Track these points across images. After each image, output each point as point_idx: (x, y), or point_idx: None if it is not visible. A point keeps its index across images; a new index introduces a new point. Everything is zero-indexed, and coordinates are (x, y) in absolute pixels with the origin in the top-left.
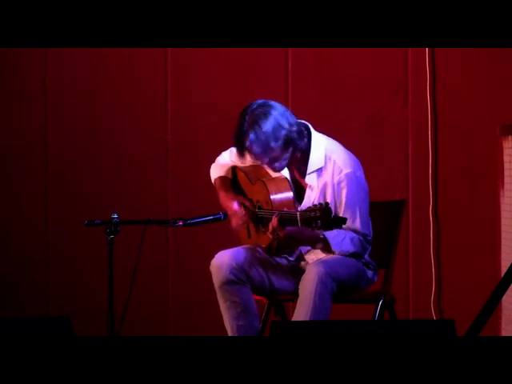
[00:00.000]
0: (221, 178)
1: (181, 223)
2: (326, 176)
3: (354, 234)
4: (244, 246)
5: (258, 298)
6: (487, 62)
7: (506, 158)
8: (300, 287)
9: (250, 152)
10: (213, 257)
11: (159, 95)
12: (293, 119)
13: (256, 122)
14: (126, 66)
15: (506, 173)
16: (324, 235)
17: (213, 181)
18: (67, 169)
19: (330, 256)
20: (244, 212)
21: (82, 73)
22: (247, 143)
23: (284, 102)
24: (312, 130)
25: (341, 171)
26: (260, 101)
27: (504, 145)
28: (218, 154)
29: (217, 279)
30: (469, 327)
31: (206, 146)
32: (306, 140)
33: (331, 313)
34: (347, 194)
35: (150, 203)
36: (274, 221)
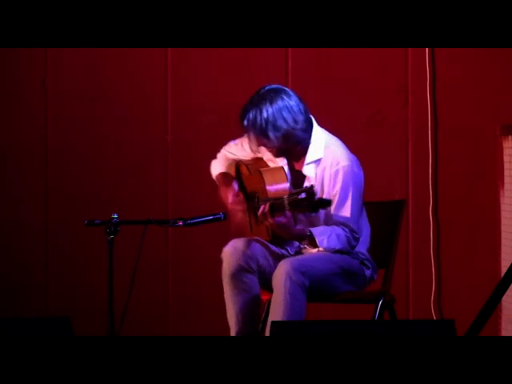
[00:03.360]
0: (222, 174)
1: (181, 223)
2: (325, 166)
3: (341, 231)
4: (257, 238)
5: (266, 297)
6: (487, 61)
7: (506, 158)
8: (272, 284)
9: (247, 131)
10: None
11: (159, 95)
12: (301, 117)
13: (259, 105)
14: (126, 66)
15: (506, 173)
16: (310, 231)
17: (214, 177)
18: (67, 169)
19: (312, 252)
20: (242, 198)
21: (82, 73)
22: (245, 122)
23: None
24: (314, 123)
25: (338, 163)
26: (275, 85)
27: (504, 145)
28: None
29: (228, 266)
30: (469, 327)
31: (205, 146)
32: (308, 135)
33: (331, 313)
34: (342, 185)
35: (150, 203)
36: (266, 207)
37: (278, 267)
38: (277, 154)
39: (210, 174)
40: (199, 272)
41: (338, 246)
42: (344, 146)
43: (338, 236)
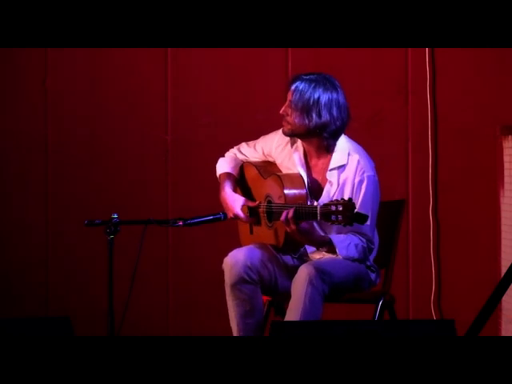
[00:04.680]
0: (226, 174)
1: (181, 223)
2: (348, 173)
3: (358, 240)
4: (256, 245)
5: (266, 298)
6: (487, 62)
7: (506, 158)
8: (292, 288)
9: (291, 94)
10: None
11: (159, 95)
12: (341, 118)
13: (317, 82)
14: (126, 66)
15: (506, 173)
16: (331, 239)
17: (218, 175)
18: (67, 169)
19: (327, 257)
20: (247, 217)
21: (82, 73)
22: (293, 86)
23: (284, 101)
24: None
25: (363, 172)
26: (335, 79)
27: (504, 145)
28: (218, 153)
29: (230, 277)
30: (469, 327)
31: (205, 146)
32: (337, 137)
33: (331, 313)
34: (364, 194)
35: (150, 203)
36: (290, 212)
37: (299, 272)
38: (286, 131)
39: (209, 174)
40: (199, 272)
41: (355, 256)
42: (367, 154)
43: (356, 246)
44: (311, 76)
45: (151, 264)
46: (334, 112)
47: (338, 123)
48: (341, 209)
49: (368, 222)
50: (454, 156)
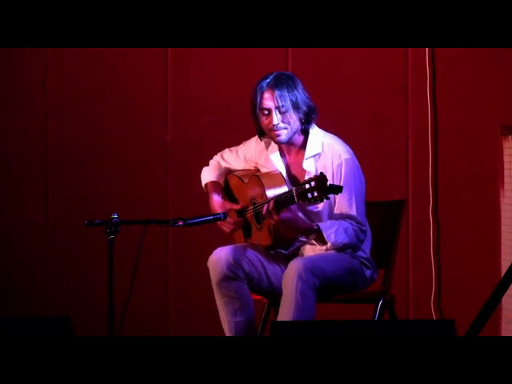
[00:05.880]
0: (212, 182)
1: (181, 223)
2: (325, 161)
3: (348, 225)
4: (242, 244)
5: (259, 297)
6: (487, 62)
7: (506, 158)
8: (282, 285)
9: (276, 101)
10: None
11: (159, 95)
12: (312, 101)
13: (281, 82)
14: (126, 66)
15: (506, 173)
16: (318, 226)
17: (203, 184)
18: (67, 169)
19: (319, 253)
20: (232, 220)
21: (82, 73)
22: (278, 92)
23: None
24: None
25: (340, 156)
26: (286, 72)
27: (504, 145)
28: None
29: (214, 275)
30: (469, 327)
31: (205, 146)
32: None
33: (331, 313)
34: (345, 178)
35: (150, 203)
36: (270, 204)
37: (288, 267)
38: (288, 138)
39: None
40: (199, 272)
41: (345, 240)
42: (342, 141)
43: (345, 230)
44: (268, 80)
45: (151, 264)
46: (307, 97)
47: (313, 105)
48: (314, 184)
49: (354, 206)
50: (454, 156)
